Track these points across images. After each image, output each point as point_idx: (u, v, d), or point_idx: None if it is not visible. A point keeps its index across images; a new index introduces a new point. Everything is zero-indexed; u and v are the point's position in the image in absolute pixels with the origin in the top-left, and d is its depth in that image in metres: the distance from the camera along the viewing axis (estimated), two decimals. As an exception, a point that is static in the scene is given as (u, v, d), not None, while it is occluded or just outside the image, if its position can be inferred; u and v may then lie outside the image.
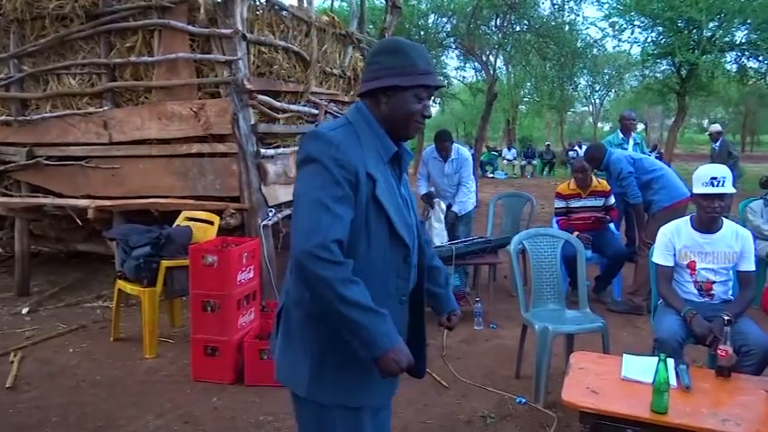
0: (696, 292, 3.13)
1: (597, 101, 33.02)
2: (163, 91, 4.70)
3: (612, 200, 5.21)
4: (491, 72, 15.13)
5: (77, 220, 5.12)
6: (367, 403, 1.60)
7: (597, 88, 27.96)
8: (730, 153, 8.76)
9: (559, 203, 5.29)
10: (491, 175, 19.19)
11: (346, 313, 1.41)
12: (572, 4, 14.02)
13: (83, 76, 4.97)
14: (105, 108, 4.88)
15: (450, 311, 1.88)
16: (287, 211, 5.01)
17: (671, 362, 2.38)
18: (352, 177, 1.46)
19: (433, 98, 1.61)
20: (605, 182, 5.25)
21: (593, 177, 5.26)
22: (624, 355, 2.65)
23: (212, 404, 3.26)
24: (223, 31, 4.43)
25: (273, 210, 4.75)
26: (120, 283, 4.10)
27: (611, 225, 5.37)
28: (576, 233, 4.90)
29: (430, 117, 1.63)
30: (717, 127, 9.52)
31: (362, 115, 1.57)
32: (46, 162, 5.12)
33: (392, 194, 1.55)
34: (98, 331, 4.43)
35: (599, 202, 5.19)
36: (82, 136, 4.98)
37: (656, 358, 2.19)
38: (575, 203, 5.20)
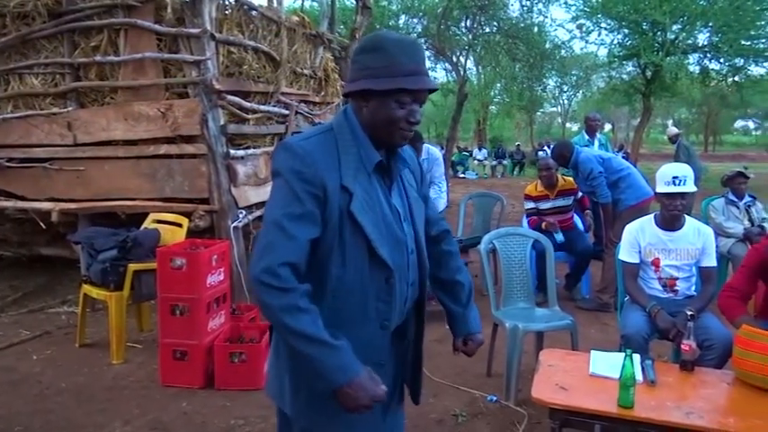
0: (661, 288, 3.21)
1: (566, 101, 33.59)
2: (129, 91, 4.62)
3: (580, 194, 5.31)
4: (461, 73, 15.25)
5: (41, 223, 4.99)
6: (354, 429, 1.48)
7: (565, 89, 28.46)
8: (678, 156, 8.71)
9: (529, 204, 5.35)
10: (462, 176, 19.34)
11: (293, 344, 1.33)
12: (540, 5, 14.26)
13: (46, 75, 4.85)
14: (69, 109, 4.78)
15: (466, 334, 1.72)
16: (258, 213, 4.97)
17: (637, 357, 2.44)
18: (318, 191, 1.34)
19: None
20: (571, 179, 5.32)
21: (559, 176, 5.33)
22: (592, 351, 2.69)
23: (182, 409, 3.21)
24: (191, 30, 4.38)
25: (244, 211, 4.71)
26: (86, 288, 4.01)
27: (579, 223, 5.45)
28: (544, 223, 5.00)
29: (417, 123, 1.45)
30: (674, 130, 9.71)
31: (347, 120, 1.44)
32: (7, 164, 4.98)
33: (374, 208, 1.41)
34: (63, 337, 4.32)
35: (568, 202, 5.27)
36: (45, 137, 4.86)
37: (623, 354, 2.24)
38: (544, 205, 5.26)
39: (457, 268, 1.74)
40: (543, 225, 5.11)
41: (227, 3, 4.93)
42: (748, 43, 11.56)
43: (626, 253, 3.25)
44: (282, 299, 1.31)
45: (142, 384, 3.53)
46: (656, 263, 3.19)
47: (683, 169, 3.13)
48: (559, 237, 5.08)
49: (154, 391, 3.43)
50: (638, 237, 3.22)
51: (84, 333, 4.16)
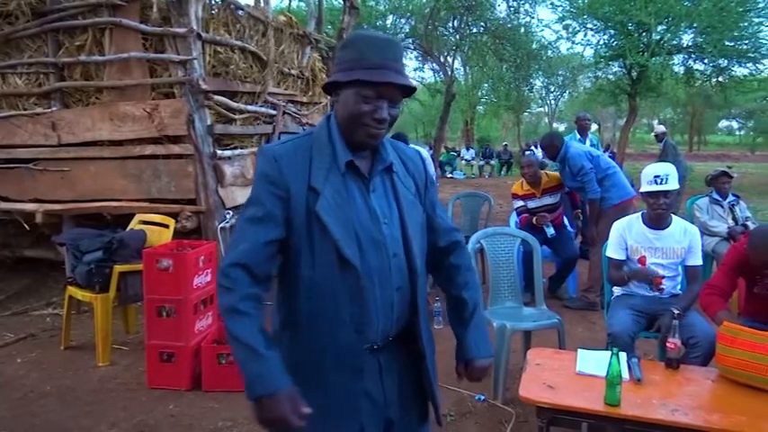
0: (647, 286, 3.23)
1: (552, 102, 33.77)
2: (115, 91, 4.58)
3: (567, 189, 5.32)
4: (449, 73, 15.30)
5: (25, 224, 4.94)
6: None
7: (552, 89, 28.64)
8: (666, 155, 8.64)
9: (518, 203, 5.33)
10: (450, 175, 19.36)
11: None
12: (527, 6, 14.34)
13: (29, 75, 4.80)
14: (54, 109, 4.74)
15: (466, 359, 1.58)
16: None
17: (623, 355, 2.46)
18: (282, 193, 1.37)
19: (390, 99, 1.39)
20: (555, 175, 5.29)
21: (543, 173, 5.27)
22: (579, 350, 2.71)
23: (169, 411, 3.19)
24: (177, 30, 4.35)
25: (231, 212, 4.68)
26: (71, 290, 3.97)
27: (568, 225, 5.47)
28: (535, 218, 5.02)
29: (383, 121, 1.37)
30: (661, 128, 9.77)
31: (328, 123, 1.45)
32: (-10, 165, 4.93)
33: (343, 208, 1.38)
34: (48, 340, 4.27)
35: (555, 199, 5.25)
36: (29, 138, 4.81)
37: (609, 352, 2.25)
38: (532, 204, 5.25)
39: (463, 284, 1.62)
40: (534, 220, 5.12)
41: (213, 2, 4.92)
42: (732, 44, 11.67)
43: (613, 250, 3.28)
44: (227, 299, 1.35)
45: (128, 387, 3.49)
46: (642, 261, 3.22)
47: (665, 168, 3.17)
48: (550, 231, 5.08)
49: (140, 393, 3.41)
50: (624, 234, 3.25)
51: (69, 335, 4.12)
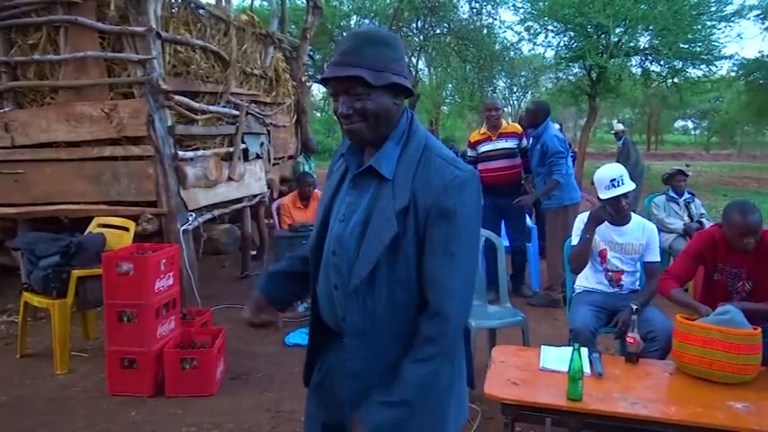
0: (607, 282, 3.31)
1: (515, 102, 34.19)
2: (71, 91, 4.45)
3: (525, 142, 5.24)
4: (413, 73, 15.36)
5: (-23, 229, 4.76)
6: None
7: (515, 90, 28.97)
8: (630, 154, 8.75)
9: (469, 152, 5.33)
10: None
11: None
12: (489, 8, 14.51)
13: (-21, 74, 4.62)
14: (6, 109, 4.57)
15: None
16: (207, 215, 4.88)
17: (585, 351, 2.51)
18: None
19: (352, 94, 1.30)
20: (515, 124, 5.29)
21: (504, 121, 5.26)
22: (542, 346, 2.76)
23: (130, 419, 3.12)
24: (136, 28, 4.25)
25: (194, 214, 4.61)
26: (27, 296, 3.85)
27: (528, 220, 5.53)
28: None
29: (346, 116, 1.30)
30: (620, 126, 10.03)
31: None
32: (-61, 167, 4.73)
33: (328, 196, 1.47)
34: (3, 348, 4.13)
35: (511, 144, 5.18)
36: (-20, 139, 4.63)
37: (571, 348, 2.30)
38: (484, 147, 5.20)
39: (409, 359, 1.29)
40: None
41: (173, 1, 4.82)
42: (686, 46, 12.00)
43: (576, 239, 3.34)
44: None
45: (88, 395, 3.41)
46: (602, 254, 3.30)
47: (617, 170, 3.26)
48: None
49: (101, 401, 3.32)
50: (587, 226, 3.32)
51: (25, 343, 3.99)
